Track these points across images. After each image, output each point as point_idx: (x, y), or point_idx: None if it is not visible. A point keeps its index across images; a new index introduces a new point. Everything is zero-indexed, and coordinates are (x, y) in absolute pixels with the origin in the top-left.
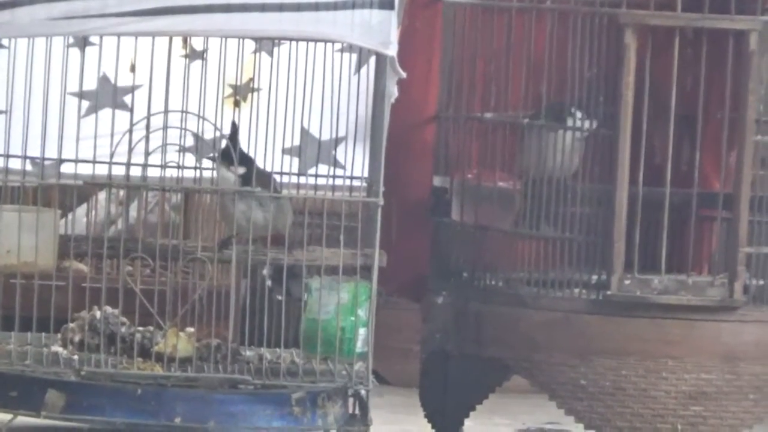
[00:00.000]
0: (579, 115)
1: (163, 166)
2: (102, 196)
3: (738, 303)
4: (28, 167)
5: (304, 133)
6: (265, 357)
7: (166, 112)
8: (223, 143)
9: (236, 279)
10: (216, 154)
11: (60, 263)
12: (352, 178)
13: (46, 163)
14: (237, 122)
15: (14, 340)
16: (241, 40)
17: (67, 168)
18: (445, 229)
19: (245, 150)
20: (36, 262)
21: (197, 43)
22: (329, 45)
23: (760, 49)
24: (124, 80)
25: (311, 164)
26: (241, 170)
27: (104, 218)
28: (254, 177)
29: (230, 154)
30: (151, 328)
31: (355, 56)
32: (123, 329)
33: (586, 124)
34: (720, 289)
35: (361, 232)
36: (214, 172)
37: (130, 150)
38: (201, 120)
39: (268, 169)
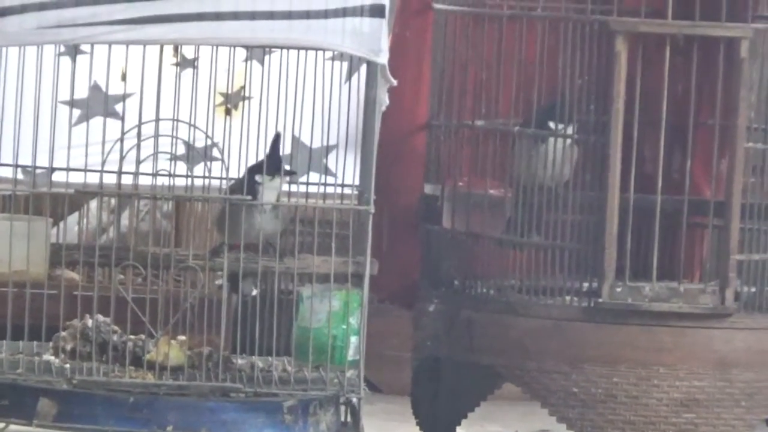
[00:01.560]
0: (561, 127)
1: (155, 175)
2: (93, 204)
3: (729, 310)
4: (19, 176)
5: (295, 141)
6: (257, 365)
7: (157, 120)
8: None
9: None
10: (287, 169)
11: (51, 272)
12: (343, 186)
13: (38, 171)
14: (279, 134)
15: (6, 349)
16: (232, 48)
17: (58, 176)
18: (436, 237)
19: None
20: (27, 270)
21: (188, 52)
22: (320, 53)
23: (751, 56)
24: (115, 89)
25: (302, 172)
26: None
27: (96, 227)
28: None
29: (273, 165)
30: (142, 336)
31: (346, 64)
32: (115, 338)
33: (569, 130)
34: (711, 297)
35: (352, 240)
36: (208, 181)
37: (122, 158)
38: (192, 128)
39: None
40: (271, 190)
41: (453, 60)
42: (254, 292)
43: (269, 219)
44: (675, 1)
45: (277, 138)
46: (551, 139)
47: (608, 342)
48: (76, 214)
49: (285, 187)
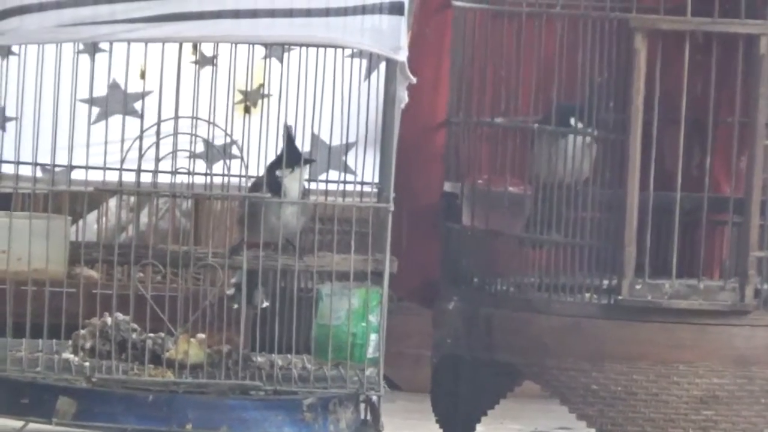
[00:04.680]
0: (581, 125)
1: (174, 173)
2: (112, 202)
3: (749, 307)
4: (39, 174)
5: (315, 138)
6: (277, 363)
7: (176, 118)
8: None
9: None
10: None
11: (71, 270)
12: (362, 183)
13: (57, 169)
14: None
15: (25, 347)
16: (251, 45)
17: (77, 174)
18: (455, 235)
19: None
20: (47, 268)
21: (207, 49)
22: (339, 50)
23: None
24: (134, 86)
25: (322, 170)
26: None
27: (115, 225)
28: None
29: (291, 157)
30: (162, 334)
31: (365, 62)
32: (134, 336)
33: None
34: (731, 294)
35: (371, 238)
36: (228, 179)
37: (141, 156)
38: (211, 126)
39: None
40: (293, 182)
41: (472, 57)
42: (265, 304)
43: (294, 214)
44: None
45: (288, 130)
46: (571, 137)
47: (628, 339)
48: (95, 213)
49: (305, 185)
